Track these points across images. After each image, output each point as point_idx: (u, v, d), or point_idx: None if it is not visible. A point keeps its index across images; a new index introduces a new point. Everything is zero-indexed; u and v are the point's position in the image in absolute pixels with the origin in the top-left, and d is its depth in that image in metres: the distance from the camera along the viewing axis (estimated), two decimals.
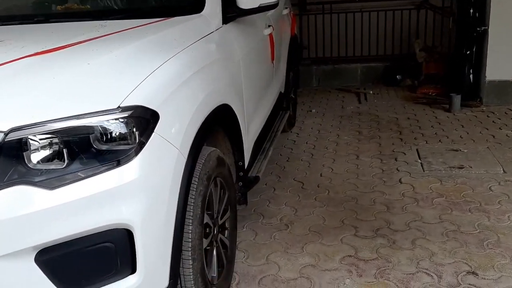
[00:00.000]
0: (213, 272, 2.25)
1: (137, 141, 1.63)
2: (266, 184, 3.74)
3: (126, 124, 1.62)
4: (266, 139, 3.54)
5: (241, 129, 2.61)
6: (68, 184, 1.53)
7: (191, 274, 1.94)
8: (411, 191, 3.46)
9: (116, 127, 1.61)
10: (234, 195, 2.55)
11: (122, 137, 1.61)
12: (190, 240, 1.91)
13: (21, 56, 1.86)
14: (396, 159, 4.10)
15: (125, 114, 1.61)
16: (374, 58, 7.16)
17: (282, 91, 4.32)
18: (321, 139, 4.76)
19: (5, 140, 1.49)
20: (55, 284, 1.56)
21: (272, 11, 3.62)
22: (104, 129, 1.59)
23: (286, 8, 4.58)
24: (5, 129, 1.49)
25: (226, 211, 2.45)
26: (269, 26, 3.50)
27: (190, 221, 1.91)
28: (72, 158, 1.56)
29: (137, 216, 1.60)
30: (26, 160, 1.53)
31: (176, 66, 1.94)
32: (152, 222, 1.65)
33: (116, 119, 1.60)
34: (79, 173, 1.55)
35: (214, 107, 2.15)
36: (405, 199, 3.34)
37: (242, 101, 2.68)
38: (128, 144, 1.62)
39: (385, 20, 7.03)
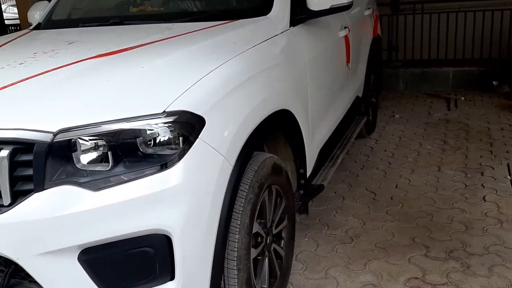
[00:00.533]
0: (264, 283, 2.18)
1: (181, 146, 1.60)
2: (335, 193, 3.59)
3: (171, 129, 1.60)
4: (337, 145, 3.39)
5: (303, 136, 2.51)
6: (112, 186, 1.55)
7: (235, 284, 1.88)
8: (495, 211, 3.12)
9: (161, 132, 1.59)
10: (292, 204, 2.46)
11: (166, 142, 1.60)
12: (236, 249, 1.85)
13: (84, 58, 1.93)
14: (482, 174, 3.74)
15: (170, 119, 1.59)
16: (469, 61, 6.63)
17: (360, 95, 4.13)
18: (401, 147, 4.49)
19: (54, 140, 1.53)
20: (96, 284, 1.59)
21: (350, 11, 3.49)
22: (150, 133, 1.58)
23: (369, 8, 4.37)
24: (54, 130, 1.54)
25: (283, 220, 2.37)
26: (345, 27, 3.35)
27: (237, 229, 1.85)
28: (117, 161, 1.57)
29: (177, 222, 1.57)
30: (74, 160, 1.57)
31: (229, 71, 1.89)
32: (192, 229, 1.62)
33: (161, 123, 1.59)
34: (122, 176, 1.56)
35: (271, 112, 2.07)
36: (487, 220, 3.02)
37: (306, 106, 2.57)
38: (172, 149, 1.60)
39: (483, 21, 6.48)
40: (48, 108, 1.63)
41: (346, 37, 3.37)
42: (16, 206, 1.55)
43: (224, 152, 1.71)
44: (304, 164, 2.59)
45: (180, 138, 1.61)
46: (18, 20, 8.11)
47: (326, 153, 3.10)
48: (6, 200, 1.56)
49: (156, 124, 1.58)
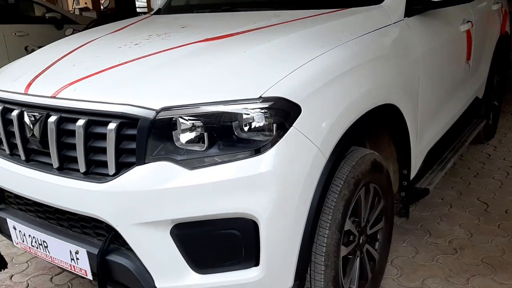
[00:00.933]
0: (353, 283, 2.10)
1: (275, 133, 1.58)
2: (442, 199, 3.34)
3: (266, 115, 1.59)
4: (449, 148, 3.15)
5: (410, 134, 2.35)
6: (206, 166, 1.58)
7: (322, 280, 1.83)
8: None
9: (256, 117, 1.59)
10: (391, 205, 2.33)
11: (261, 128, 1.59)
12: (324, 245, 1.80)
13: (192, 42, 1.99)
14: None
15: (265, 105, 1.58)
16: None
17: (480, 97, 3.79)
18: None
19: (157, 117, 1.60)
20: (185, 258, 1.64)
21: (475, 5, 3.20)
22: (246, 117, 1.59)
23: (498, 3, 3.98)
24: (157, 107, 1.60)
25: (379, 221, 2.25)
26: (468, 21, 3.08)
27: (328, 225, 1.79)
28: (212, 142, 1.60)
29: (265, 209, 1.56)
30: (173, 138, 1.62)
31: (332, 60, 1.82)
32: (279, 217, 1.60)
33: (257, 109, 1.58)
34: (216, 158, 1.59)
35: (374, 106, 1.97)
36: None
37: (416, 103, 2.41)
38: (266, 135, 1.59)
39: None
40: (153, 87, 1.71)
41: (468, 32, 3.10)
42: (120, 177, 1.65)
43: (319, 143, 1.66)
44: (409, 164, 2.43)
45: (274, 125, 1.59)
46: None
47: (436, 155, 2.89)
48: (111, 170, 1.67)
49: (252, 109, 1.58)
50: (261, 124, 1.59)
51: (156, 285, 1.66)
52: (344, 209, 1.87)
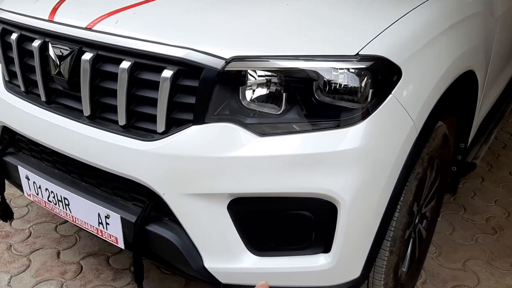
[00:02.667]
0: (404, 266, 1.91)
1: (369, 101, 1.30)
2: (472, 171, 3.15)
3: (361, 77, 1.29)
4: (494, 119, 2.91)
5: (477, 102, 2.10)
6: (280, 134, 1.30)
7: (383, 267, 1.62)
8: None
9: (348, 79, 1.29)
10: (445, 181, 2.11)
11: (351, 92, 1.30)
12: (393, 229, 1.57)
13: None
14: None
15: (363, 65, 1.28)
16: None
17: None
18: None
19: (225, 69, 1.29)
20: (242, 239, 1.40)
21: None
22: (334, 78, 1.29)
23: None
24: (228, 56, 1.29)
25: (432, 198, 2.04)
26: None
27: (399, 207, 1.56)
28: (290, 106, 1.31)
29: (348, 191, 1.31)
30: (241, 96, 1.33)
31: (430, 14, 1.52)
32: (363, 201, 1.35)
33: (351, 69, 1.28)
34: (294, 125, 1.30)
35: (461, 73, 1.69)
36: None
37: (487, 68, 2.14)
38: (357, 102, 1.30)
39: None
40: (221, 30, 1.38)
41: None
42: (170, 136, 1.36)
43: (415, 116, 1.39)
44: (467, 136, 2.20)
45: (370, 91, 1.30)
46: None
47: (483, 126, 2.66)
48: (161, 127, 1.37)
49: (345, 68, 1.29)
50: (354, 88, 1.30)
51: (206, 265, 1.42)
52: (417, 190, 1.64)
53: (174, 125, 1.38)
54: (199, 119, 1.33)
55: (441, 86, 1.51)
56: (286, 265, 1.41)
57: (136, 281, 1.52)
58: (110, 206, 1.53)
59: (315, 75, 1.29)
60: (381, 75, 1.30)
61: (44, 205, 1.73)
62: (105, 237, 1.58)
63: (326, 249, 1.39)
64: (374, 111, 1.30)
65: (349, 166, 1.30)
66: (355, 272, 1.46)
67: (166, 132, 1.38)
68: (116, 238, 1.55)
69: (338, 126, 1.29)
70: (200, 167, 1.32)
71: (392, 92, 1.32)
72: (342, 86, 1.30)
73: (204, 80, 1.30)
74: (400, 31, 1.38)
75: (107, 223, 1.54)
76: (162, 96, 1.34)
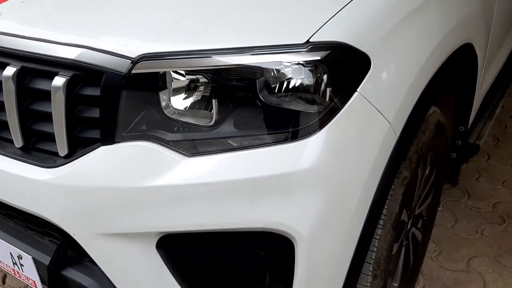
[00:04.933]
0: (396, 280, 1.61)
1: (327, 102, 0.97)
2: None
3: (315, 71, 0.96)
4: (499, 88, 2.56)
5: (477, 79, 1.76)
6: (213, 153, 0.98)
7: None
8: None
9: (298, 75, 0.96)
10: (443, 174, 1.79)
11: (304, 93, 0.97)
12: (375, 250, 1.27)
13: None
14: None
15: (316, 56, 0.95)
16: None
17: None
18: None
19: (132, 71, 0.96)
20: (180, 283, 1.10)
21: None
22: (281, 76, 0.96)
23: None
24: (135, 54, 0.96)
25: (428, 196, 1.73)
26: None
27: (381, 223, 1.25)
28: (224, 114, 0.99)
29: (306, 223, 0.99)
30: (159, 104, 1.00)
31: None
32: (328, 232, 1.04)
33: (301, 61, 0.95)
34: (230, 141, 0.98)
35: (455, 49, 1.35)
36: None
37: (487, 40, 1.78)
38: (312, 104, 0.98)
39: None
40: (126, 19, 1.05)
41: None
42: (75, 161, 1.05)
43: (392, 115, 1.06)
44: (467, 118, 1.86)
45: (328, 90, 0.97)
46: None
47: (486, 102, 2.31)
48: (63, 149, 1.06)
49: (292, 62, 0.95)
50: (307, 87, 0.97)
51: None
52: (403, 198, 1.32)
53: (80, 146, 1.07)
54: (108, 138, 1.01)
55: (429, 69, 1.18)
56: None
57: None
58: (22, 244, 1.23)
59: (254, 72, 0.96)
60: (342, 67, 0.97)
61: None
62: (23, 280, 1.29)
63: None
64: (335, 115, 0.97)
65: (306, 191, 0.98)
66: None
67: (71, 156, 1.06)
68: (34, 282, 1.26)
69: (288, 139, 0.97)
70: (113, 201, 1.02)
71: (357, 89, 0.98)
72: (292, 85, 0.97)
73: (106, 88, 0.98)
74: (367, 5, 1.04)
75: (21, 264, 1.25)
76: (57, 109, 1.02)
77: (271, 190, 0.97)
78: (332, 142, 0.97)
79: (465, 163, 2.65)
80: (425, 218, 1.79)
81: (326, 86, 0.96)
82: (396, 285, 1.62)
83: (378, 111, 1.02)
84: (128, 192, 1.00)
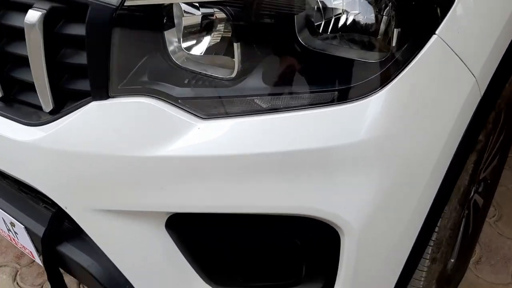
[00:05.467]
0: (453, 256, 1.38)
1: (394, 48, 0.70)
2: None
3: (377, 4, 0.68)
4: None
5: None
6: (235, 116, 0.74)
7: (422, 279, 1.11)
8: None
9: (353, 7, 0.69)
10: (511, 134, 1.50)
11: (361, 33, 0.70)
12: (437, 230, 1.03)
13: None
14: None
15: None
16: None
17: None
18: None
19: (126, 3, 0.70)
20: (195, 268, 0.90)
21: None
22: (326, 8, 0.69)
23: None
24: None
25: (494, 158, 1.45)
26: None
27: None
28: (250, 64, 0.72)
29: (359, 210, 0.75)
30: (168, 48, 0.75)
31: None
32: (384, 221, 0.79)
33: None
34: (257, 100, 0.73)
35: None
36: None
37: None
38: (372, 50, 0.70)
39: None
40: None
41: None
42: (62, 118, 0.82)
43: (478, 70, 0.77)
44: None
45: (396, 31, 0.69)
46: None
47: None
48: (47, 103, 0.84)
49: None
50: (366, 26, 0.69)
51: None
52: (474, 168, 1.06)
53: (70, 100, 0.84)
54: (100, 92, 0.78)
55: None
56: None
57: None
58: (14, 210, 1.05)
59: (291, 4, 0.69)
60: (416, 4, 0.68)
61: None
62: (20, 248, 1.13)
63: (327, 285, 0.88)
64: (404, 67, 0.70)
65: (359, 170, 0.73)
66: None
67: (58, 111, 0.84)
68: (31, 252, 1.10)
69: (337, 100, 0.71)
70: (108, 172, 0.80)
71: (436, 32, 0.70)
72: (342, 24, 0.69)
73: (92, 25, 0.73)
74: None
75: (15, 232, 1.08)
76: (34, 53, 0.79)
77: (313, 169, 0.73)
78: (398, 105, 0.71)
79: None
80: (489, 181, 1.53)
81: (393, 26, 0.68)
82: (453, 260, 1.39)
83: (463, 61, 0.74)
84: (126, 161, 0.78)
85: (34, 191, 1.04)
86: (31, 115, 0.88)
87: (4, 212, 1.05)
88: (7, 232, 1.13)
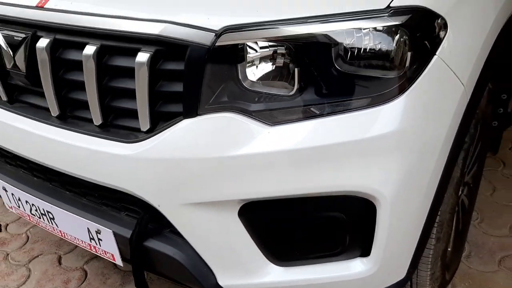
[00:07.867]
0: (450, 246, 1.65)
1: (407, 67, 1.00)
2: None
3: (394, 36, 0.99)
4: None
5: None
6: (295, 121, 1.02)
7: (430, 256, 1.37)
8: None
9: (378, 41, 0.99)
10: (488, 140, 1.82)
11: (383, 58, 1.00)
12: (439, 213, 1.31)
13: None
14: None
15: (398, 21, 0.97)
16: None
17: None
18: None
19: (217, 44, 0.99)
20: (260, 248, 1.14)
21: None
22: (357, 41, 0.99)
23: None
24: (218, 27, 0.99)
25: (475, 163, 1.76)
26: None
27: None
28: (304, 83, 1.01)
29: (389, 185, 1.03)
30: (241, 76, 1.03)
31: None
32: (409, 194, 1.07)
33: (383, 27, 0.98)
34: (312, 108, 1.01)
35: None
36: None
37: None
38: (392, 69, 1.00)
39: None
40: None
41: None
42: (158, 135, 1.08)
43: (466, 78, 1.09)
44: (510, 87, 1.88)
45: (409, 54, 0.99)
46: None
47: None
48: (145, 124, 1.09)
49: (374, 28, 0.98)
50: (387, 52, 0.99)
51: (220, 282, 1.18)
52: (463, 162, 1.36)
53: (161, 120, 1.10)
54: (191, 111, 1.04)
55: (494, 31, 1.20)
56: (317, 275, 1.16)
57: None
58: (100, 219, 1.27)
59: (336, 39, 0.99)
60: (422, 31, 0.99)
61: (28, 218, 1.49)
62: (100, 254, 1.34)
63: (364, 252, 1.14)
64: (415, 80, 1.00)
65: (388, 155, 1.01)
66: (400, 273, 1.21)
67: (152, 130, 1.10)
68: (112, 255, 1.31)
69: (369, 105, 1.00)
70: (198, 171, 1.05)
71: (436, 53, 1.01)
72: (370, 51, 0.99)
73: (190, 62, 1.01)
74: None
75: (99, 239, 1.29)
76: (141, 85, 1.05)
77: (355, 155, 1.00)
78: (413, 107, 1.00)
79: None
80: (471, 185, 1.83)
81: (407, 51, 0.99)
82: (450, 249, 1.66)
83: (455, 74, 1.05)
84: (213, 161, 1.04)
85: (116, 203, 1.27)
86: (128, 135, 1.13)
87: (91, 222, 1.27)
88: (88, 241, 1.34)
